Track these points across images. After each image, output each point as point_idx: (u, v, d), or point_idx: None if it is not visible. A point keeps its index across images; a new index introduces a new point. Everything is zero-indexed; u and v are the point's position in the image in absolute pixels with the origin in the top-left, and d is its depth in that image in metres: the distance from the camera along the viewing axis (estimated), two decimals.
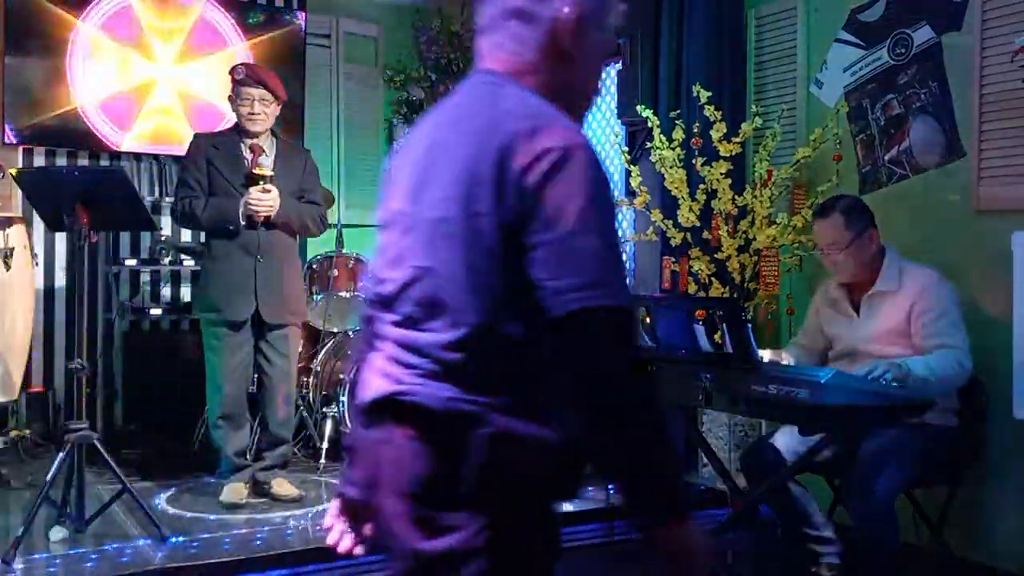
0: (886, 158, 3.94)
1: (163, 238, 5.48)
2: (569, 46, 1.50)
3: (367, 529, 1.71)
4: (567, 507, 3.98)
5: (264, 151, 4.03)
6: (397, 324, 1.49)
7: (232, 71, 4.03)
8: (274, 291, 3.97)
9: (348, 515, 1.73)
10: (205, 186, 3.96)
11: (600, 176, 1.38)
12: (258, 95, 3.97)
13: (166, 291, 5.76)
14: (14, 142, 5.18)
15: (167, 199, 5.53)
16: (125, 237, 5.60)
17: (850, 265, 3.18)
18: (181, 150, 5.46)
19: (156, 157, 5.59)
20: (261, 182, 3.90)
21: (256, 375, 4.11)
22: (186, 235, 5.67)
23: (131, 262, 5.45)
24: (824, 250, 3.23)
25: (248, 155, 4.01)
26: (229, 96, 4.05)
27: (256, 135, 4.02)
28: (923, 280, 3.09)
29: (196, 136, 4.23)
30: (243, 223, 3.90)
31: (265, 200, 3.89)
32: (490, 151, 1.36)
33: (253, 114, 3.98)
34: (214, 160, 3.97)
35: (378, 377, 1.50)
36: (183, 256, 5.51)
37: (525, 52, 1.50)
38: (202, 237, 5.25)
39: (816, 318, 3.41)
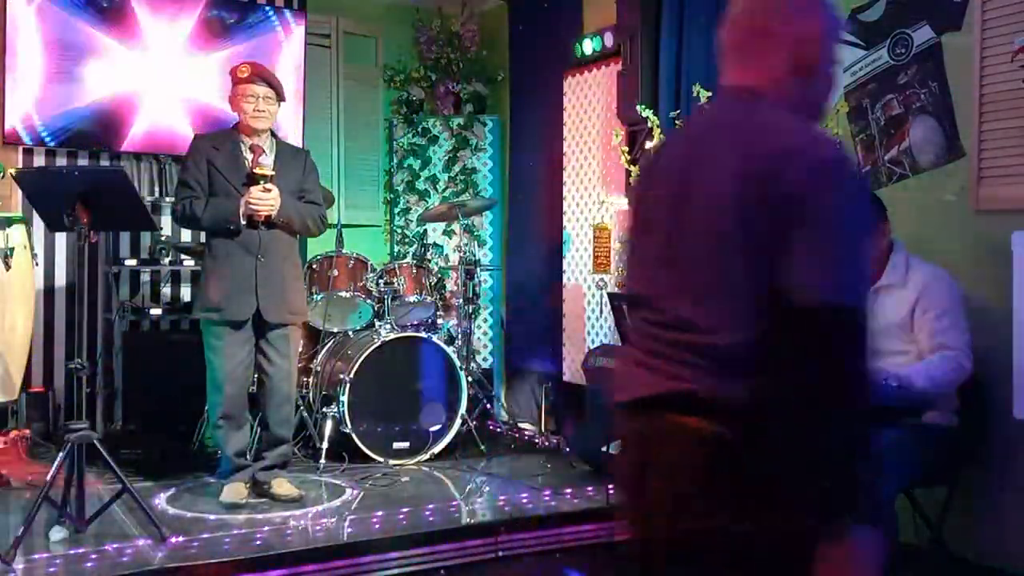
0: (886, 158, 3.94)
1: (163, 238, 5.48)
2: (810, 61, 1.63)
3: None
4: (567, 507, 3.99)
5: (264, 151, 4.03)
6: (661, 324, 1.63)
7: (235, 70, 4.03)
8: (275, 290, 3.97)
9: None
10: (205, 186, 3.96)
11: (859, 184, 1.54)
12: (263, 93, 3.98)
13: (166, 291, 5.76)
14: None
15: (167, 199, 5.53)
16: (125, 237, 5.61)
17: None
18: (181, 150, 5.53)
19: (156, 157, 5.60)
20: (262, 181, 3.91)
21: (256, 375, 4.11)
22: (186, 235, 5.67)
23: (131, 262, 5.46)
24: None
25: (248, 155, 4.02)
26: (230, 96, 4.05)
27: (260, 132, 4.03)
28: (929, 276, 3.10)
29: (196, 137, 4.24)
30: (243, 223, 3.91)
31: (266, 200, 3.90)
32: (754, 162, 1.51)
33: (259, 111, 3.98)
34: (214, 160, 3.98)
35: (645, 373, 1.64)
36: (183, 256, 5.51)
37: (772, 69, 1.63)
38: (202, 237, 5.26)
39: None
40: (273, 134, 4.15)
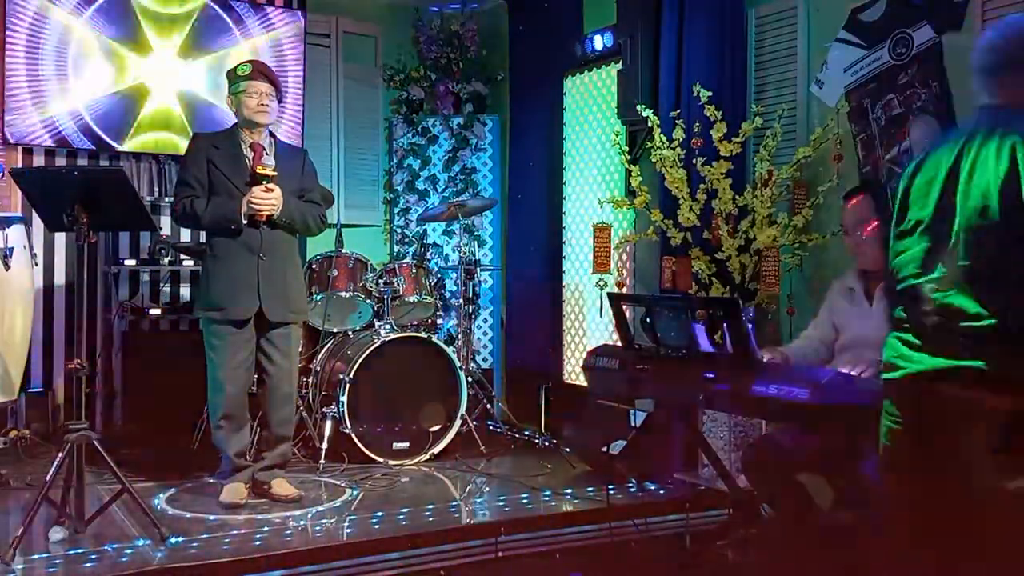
0: (886, 158, 3.94)
1: (162, 238, 5.48)
2: None
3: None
4: (567, 508, 4.00)
5: (265, 150, 4.04)
6: (936, 305, 2.07)
7: (235, 69, 4.03)
8: (277, 289, 3.97)
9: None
10: (206, 185, 3.96)
11: None
12: (265, 89, 3.98)
13: (165, 291, 5.76)
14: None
15: (167, 199, 5.54)
16: (125, 237, 5.62)
17: (875, 248, 3.17)
18: (181, 151, 5.54)
19: (156, 157, 5.60)
20: (264, 181, 3.91)
21: (257, 374, 4.11)
22: (185, 235, 5.67)
23: (131, 262, 5.46)
24: (850, 231, 3.25)
25: (249, 154, 4.02)
26: (230, 95, 4.05)
27: (261, 128, 4.03)
28: None
29: (195, 136, 4.24)
30: (244, 222, 3.91)
31: (268, 199, 3.90)
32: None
33: (263, 105, 3.98)
34: (214, 159, 3.98)
35: (927, 350, 2.10)
36: (182, 256, 5.52)
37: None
38: (202, 237, 5.25)
39: (828, 307, 3.41)
40: (271, 133, 4.15)
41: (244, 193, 3.91)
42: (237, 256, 3.94)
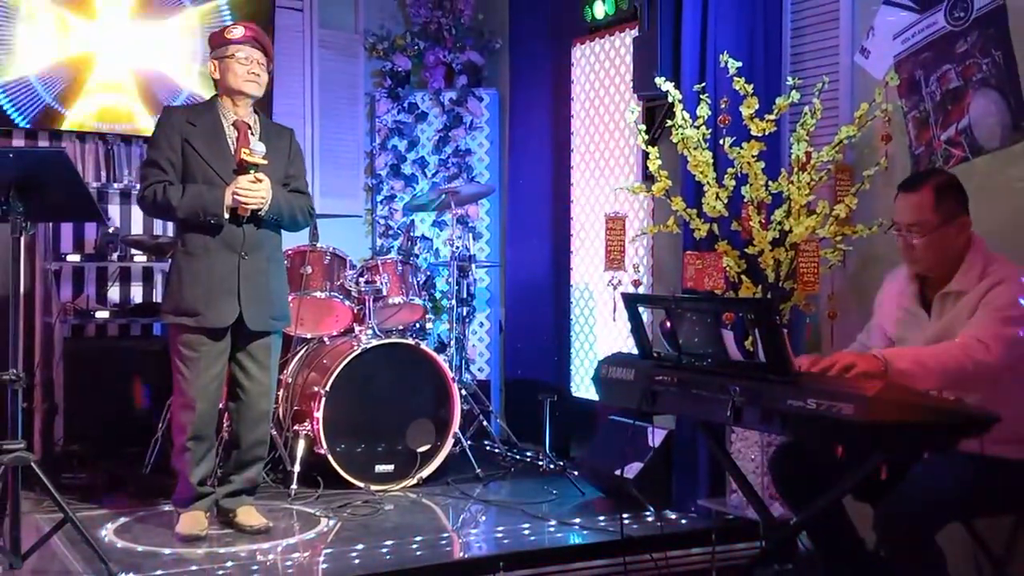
0: (942, 137, 3.94)
1: (111, 230, 5.48)
2: None
3: None
4: (576, 540, 3.99)
5: (251, 128, 4.00)
6: None
7: (223, 30, 4.00)
8: (259, 293, 3.96)
9: None
10: (180, 169, 3.93)
11: None
12: (257, 56, 3.96)
13: (114, 291, 5.76)
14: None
15: (115, 185, 5.54)
16: (67, 229, 5.62)
17: (929, 255, 3.10)
18: (131, 128, 5.53)
19: (103, 137, 5.60)
20: (252, 170, 3.88)
21: (229, 388, 4.09)
22: (137, 227, 5.67)
23: (74, 258, 5.46)
24: (902, 231, 3.17)
25: (231, 132, 3.98)
26: (213, 61, 4.00)
27: (247, 101, 4.01)
28: (1005, 275, 3.02)
29: (167, 109, 4.19)
30: (227, 216, 3.88)
31: (256, 192, 3.87)
32: None
33: (253, 73, 3.95)
34: (191, 138, 3.93)
35: None
36: (134, 251, 5.51)
37: None
38: (158, 228, 5.25)
39: (880, 313, 3.36)
40: (256, 110, 4.13)
41: (226, 180, 3.88)
42: (215, 254, 3.91)
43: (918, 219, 3.10)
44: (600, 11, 5.47)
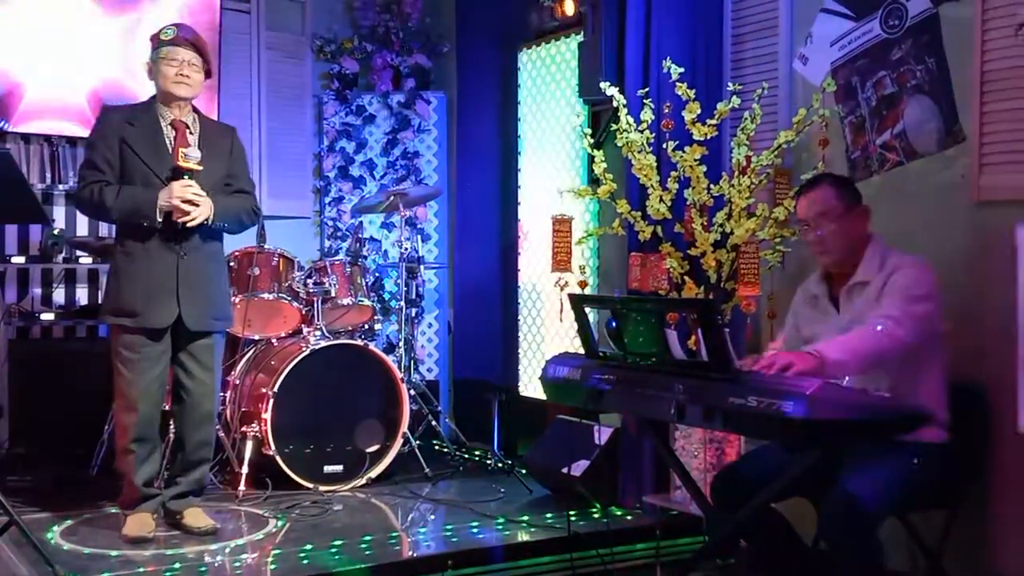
0: (878, 142, 4.00)
1: (56, 232, 5.41)
2: None
3: None
4: (524, 537, 4.01)
5: (188, 128, 3.98)
6: None
7: (158, 33, 3.98)
8: (199, 293, 3.93)
9: None
10: (117, 169, 3.89)
11: None
12: (188, 58, 3.93)
13: (59, 293, 5.68)
14: None
15: (60, 186, 5.47)
16: (11, 231, 5.54)
17: (839, 243, 3.25)
18: (77, 130, 5.46)
19: (48, 138, 5.52)
20: (186, 176, 3.84)
21: (173, 389, 4.06)
22: (82, 228, 5.60)
23: (18, 259, 5.39)
24: (811, 225, 3.30)
25: (169, 133, 3.96)
26: (148, 63, 3.99)
27: (181, 103, 3.98)
28: (903, 261, 3.19)
29: (105, 109, 4.16)
30: (160, 220, 3.84)
31: (194, 212, 3.81)
32: None
33: (182, 75, 3.92)
34: (129, 139, 3.90)
35: None
36: (79, 252, 5.45)
37: None
38: (103, 230, 5.18)
39: (794, 319, 3.49)
40: (195, 109, 4.10)
41: (164, 180, 3.85)
42: (154, 254, 3.88)
43: (825, 208, 3.29)
44: (546, 16, 5.47)
